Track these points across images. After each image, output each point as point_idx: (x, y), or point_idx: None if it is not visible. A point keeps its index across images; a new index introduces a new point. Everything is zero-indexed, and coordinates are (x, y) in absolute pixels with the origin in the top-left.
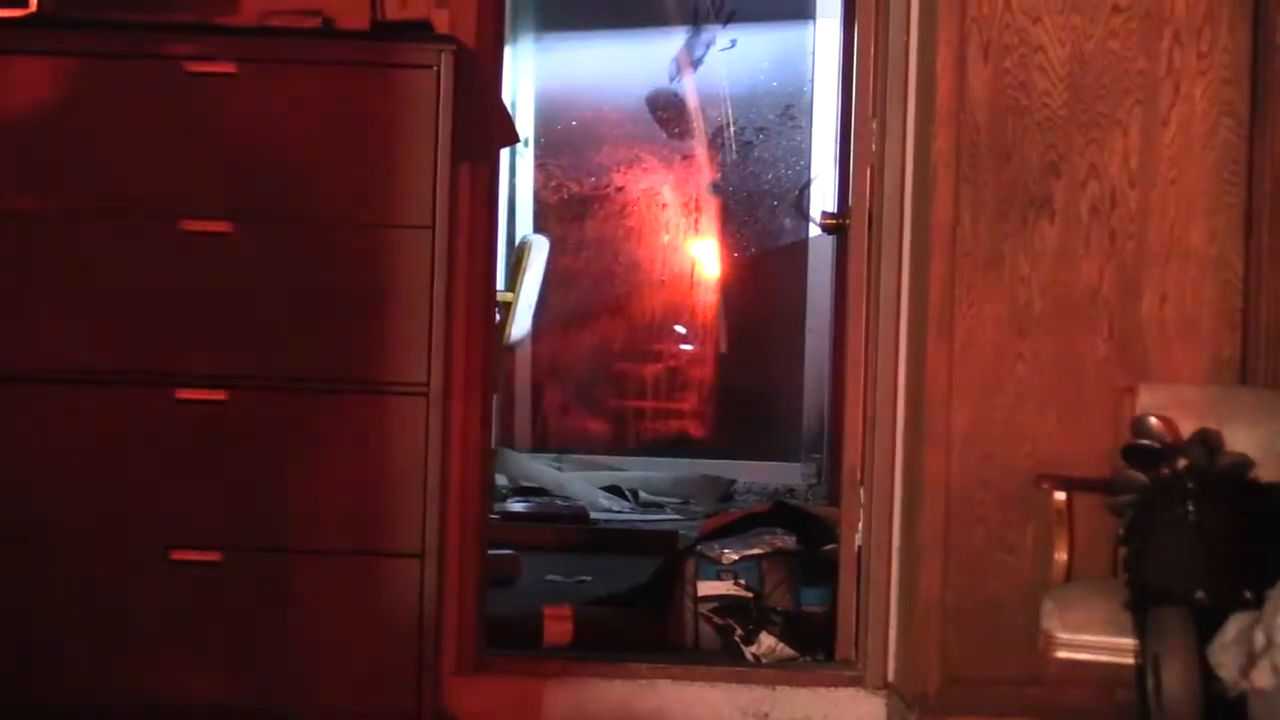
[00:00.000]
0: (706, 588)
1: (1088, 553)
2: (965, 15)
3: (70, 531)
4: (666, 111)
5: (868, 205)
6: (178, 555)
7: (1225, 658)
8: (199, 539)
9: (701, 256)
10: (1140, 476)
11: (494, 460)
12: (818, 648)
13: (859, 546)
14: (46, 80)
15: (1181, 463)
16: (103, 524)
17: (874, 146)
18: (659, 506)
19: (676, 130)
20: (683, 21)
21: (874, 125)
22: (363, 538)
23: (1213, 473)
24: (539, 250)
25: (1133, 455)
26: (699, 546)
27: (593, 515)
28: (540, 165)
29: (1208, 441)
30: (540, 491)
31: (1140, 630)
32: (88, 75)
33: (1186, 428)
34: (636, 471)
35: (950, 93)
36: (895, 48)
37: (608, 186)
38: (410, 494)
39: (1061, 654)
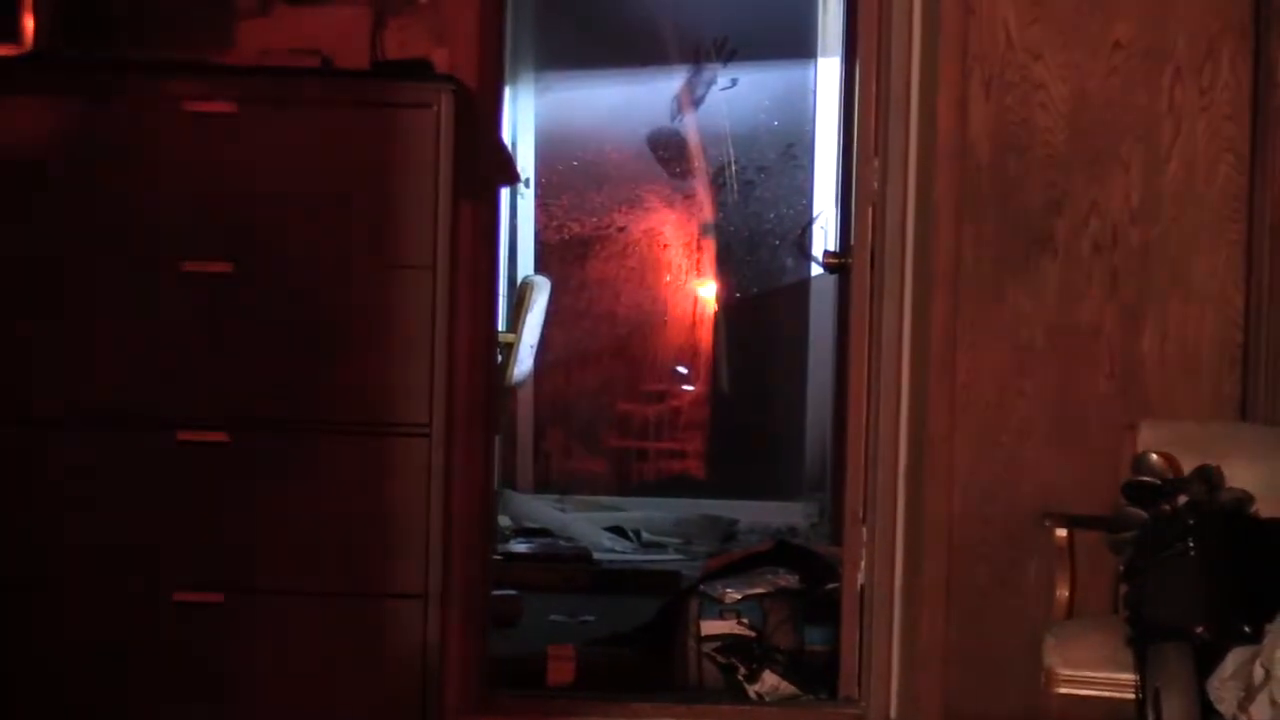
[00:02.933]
0: (709, 627)
1: (1089, 589)
2: (967, 53)
3: (73, 573)
4: (668, 151)
5: (870, 244)
6: (180, 597)
7: (1224, 692)
8: (201, 580)
9: (703, 296)
10: (1141, 513)
11: (497, 501)
12: (820, 686)
13: (861, 585)
14: (43, 119)
15: (1182, 499)
16: (105, 566)
17: (876, 185)
18: (661, 547)
19: (678, 170)
20: (684, 60)
21: (876, 164)
22: (365, 579)
23: (1213, 508)
24: (540, 291)
25: (1134, 492)
26: (702, 586)
27: (595, 555)
28: (541, 205)
29: (1208, 477)
30: (543, 532)
31: (1141, 665)
32: (85, 113)
33: (1188, 464)
34: (638, 512)
35: (952, 131)
36: (897, 86)
37: (609, 226)
38: (413, 535)
39: (1063, 690)
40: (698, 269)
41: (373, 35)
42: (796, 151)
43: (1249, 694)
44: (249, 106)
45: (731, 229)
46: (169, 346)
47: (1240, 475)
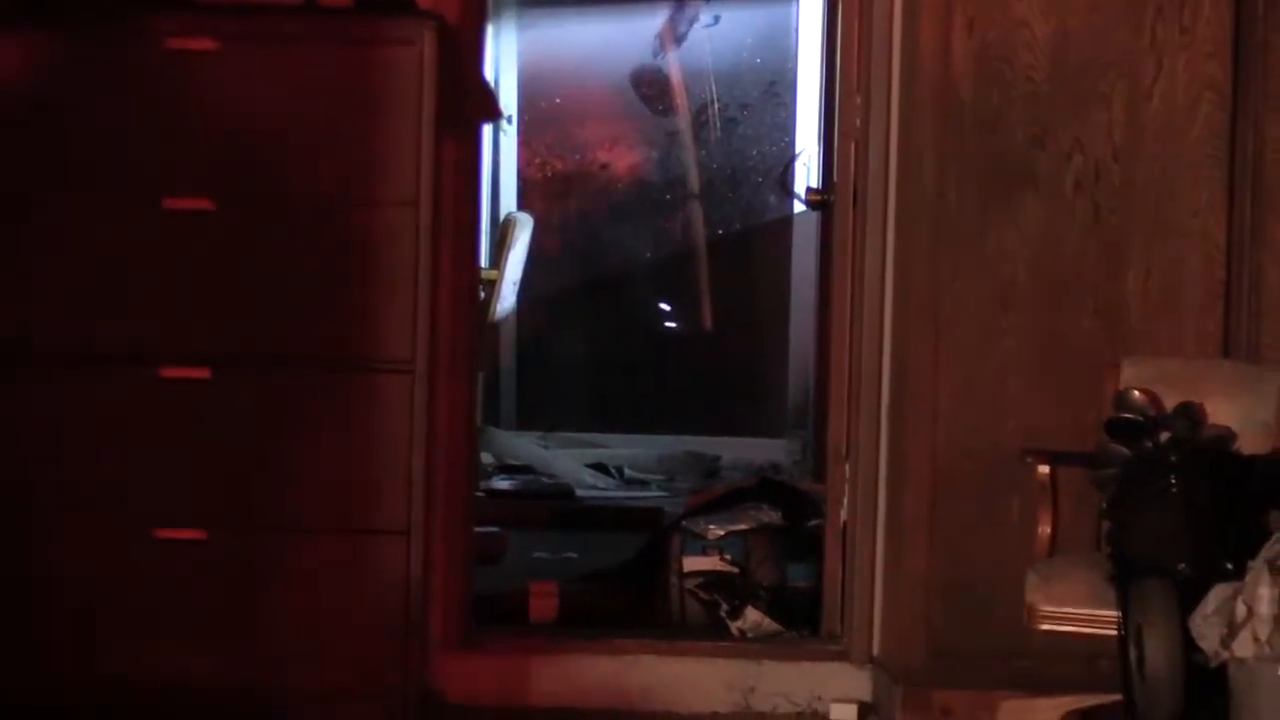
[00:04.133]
0: (692, 563)
1: (1072, 526)
2: None
3: (55, 510)
4: (650, 88)
5: (852, 181)
6: (163, 534)
7: (1207, 628)
8: (185, 518)
9: (686, 233)
10: (1123, 450)
11: (479, 438)
12: (803, 623)
13: (844, 521)
14: (25, 55)
15: (1164, 436)
16: (87, 502)
17: (858, 122)
18: (644, 483)
19: (660, 107)
20: None
21: (858, 100)
22: (349, 515)
23: (1195, 445)
24: (523, 228)
25: (1116, 429)
26: (684, 522)
27: (578, 492)
28: (524, 142)
29: (1190, 414)
30: (525, 469)
31: (1123, 602)
32: (67, 51)
33: (1170, 401)
34: (621, 449)
35: (934, 67)
36: (879, 23)
37: (592, 163)
38: (396, 471)
39: (1045, 626)
40: (681, 206)
41: None
42: (779, 89)
43: (1231, 630)
44: (231, 44)
45: (715, 166)
46: (151, 283)
47: (1222, 412)
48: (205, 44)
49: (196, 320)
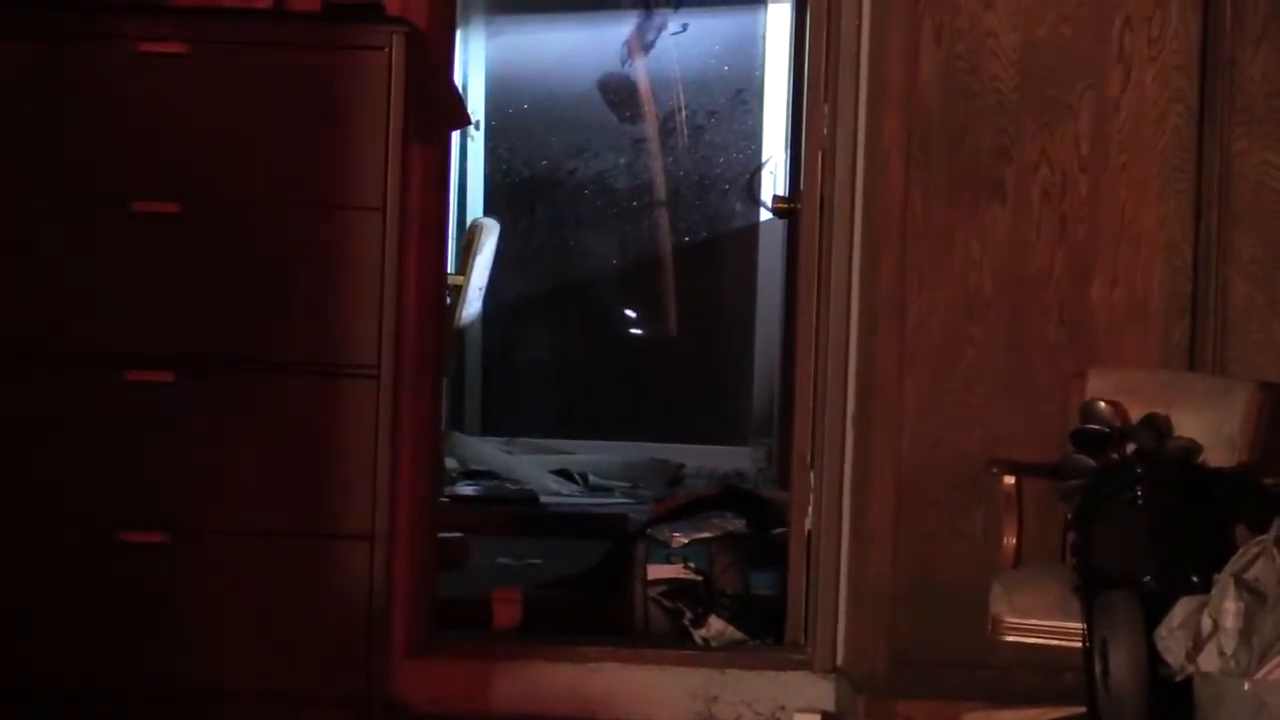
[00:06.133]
0: (656, 571)
1: (1037, 537)
2: (917, 0)
3: (18, 513)
4: (618, 95)
5: (819, 189)
6: (126, 536)
7: (1172, 642)
8: (147, 520)
9: (652, 240)
10: (1089, 461)
11: (444, 443)
12: (767, 631)
13: (809, 530)
14: None
15: (1130, 447)
16: (50, 505)
17: (825, 130)
18: (608, 490)
19: (628, 114)
20: (634, 5)
21: (825, 109)
22: (312, 520)
23: (1161, 457)
24: (490, 233)
25: (1082, 440)
26: (649, 530)
27: (542, 498)
28: (491, 148)
29: (1156, 426)
30: (489, 475)
31: (1088, 614)
32: (35, 53)
33: (1135, 412)
34: (586, 455)
35: (902, 77)
36: (847, 31)
37: (559, 170)
38: (360, 476)
39: (1010, 637)
40: (647, 213)
41: None
42: (746, 96)
43: (1197, 644)
44: (200, 48)
45: (681, 173)
46: (116, 286)
47: (1188, 424)
48: (174, 48)
49: (161, 323)
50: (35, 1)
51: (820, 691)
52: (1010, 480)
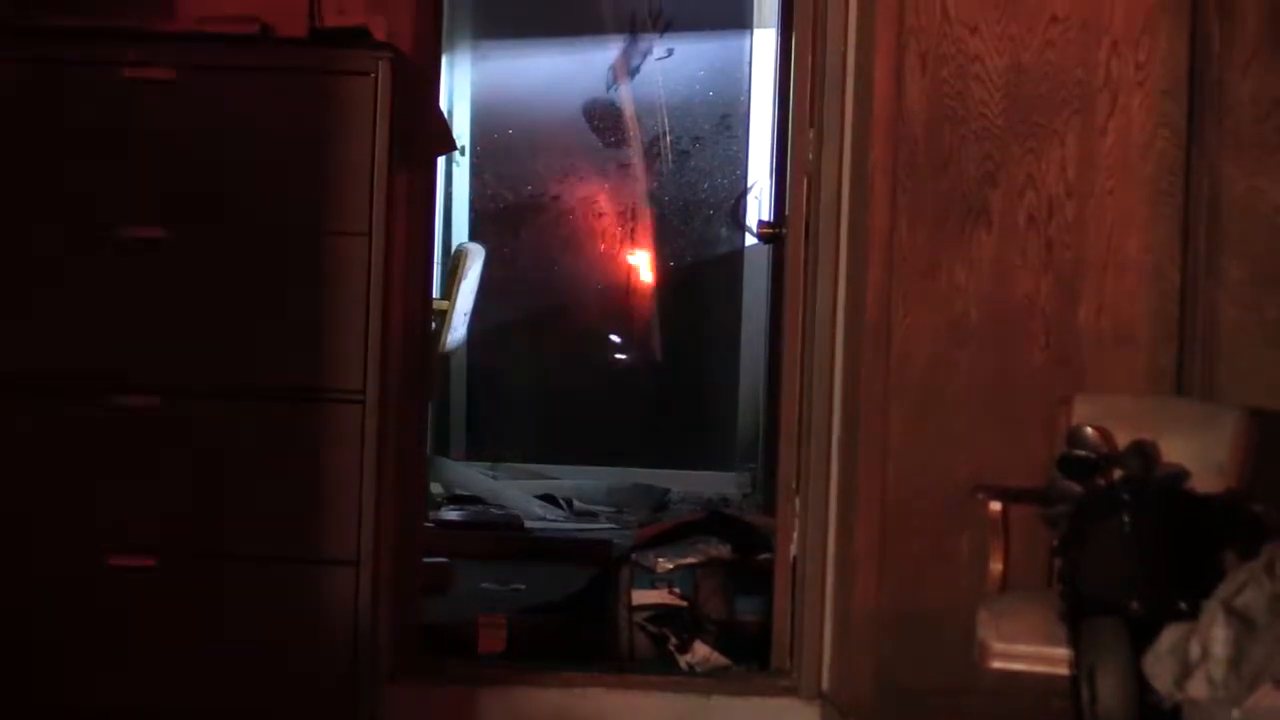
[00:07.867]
0: (641, 596)
1: (1023, 563)
2: (903, 25)
3: (6, 536)
4: (603, 120)
5: (804, 215)
6: (115, 560)
7: (1160, 669)
8: (135, 544)
9: (637, 266)
10: (1075, 487)
11: (429, 468)
12: (752, 657)
13: (794, 555)
14: None
15: (1117, 473)
16: (37, 530)
17: (811, 156)
18: (593, 515)
19: (613, 139)
20: (620, 30)
21: (811, 135)
22: (298, 544)
23: (1148, 483)
24: (475, 258)
25: (1068, 466)
26: (634, 555)
27: (527, 524)
28: (476, 174)
29: (1143, 452)
30: (475, 500)
31: (1075, 641)
32: (21, 80)
33: (1122, 438)
34: (571, 480)
35: (887, 102)
36: (833, 57)
37: (544, 195)
38: (346, 501)
39: (996, 664)
40: (632, 238)
41: (311, 2)
42: (731, 122)
43: (1185, 671)
44: (187, 74)
45: (666, 199)
46: (104, 312)
47: (1175, 451)
48: (162, 74)
49: (148, 348)
50: (22, 28)
51: (805, 717)
52: (996, 506)
